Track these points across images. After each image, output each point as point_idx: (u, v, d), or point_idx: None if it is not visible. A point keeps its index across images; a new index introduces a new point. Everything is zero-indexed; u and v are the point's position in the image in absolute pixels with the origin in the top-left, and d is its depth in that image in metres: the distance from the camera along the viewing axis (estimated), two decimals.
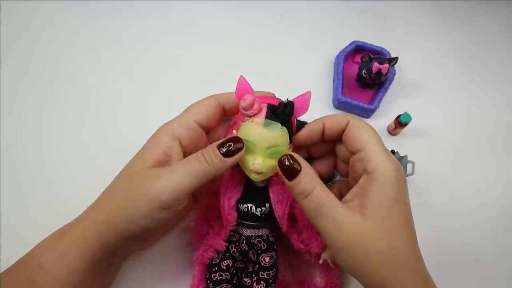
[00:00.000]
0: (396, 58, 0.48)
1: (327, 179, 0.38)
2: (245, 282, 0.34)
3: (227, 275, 0.34)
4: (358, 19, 0.59)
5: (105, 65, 0.52)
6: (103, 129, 0.48)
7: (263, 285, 0.34)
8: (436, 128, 0.51)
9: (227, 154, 0.30)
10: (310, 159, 0.38)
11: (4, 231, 0.41)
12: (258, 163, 0.30)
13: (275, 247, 0.35)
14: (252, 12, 0.58)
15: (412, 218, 0.30)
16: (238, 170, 0.33)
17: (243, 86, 0.31)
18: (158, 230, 0.31)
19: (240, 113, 0.32)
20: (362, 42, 0.53)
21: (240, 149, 0.30)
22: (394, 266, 0.28)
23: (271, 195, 0.33)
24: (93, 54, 0.53)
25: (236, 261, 0.35)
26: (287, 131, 0.31)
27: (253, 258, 0.34)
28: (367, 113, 0.50)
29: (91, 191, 0.32)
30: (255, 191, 0.34)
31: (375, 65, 0.47)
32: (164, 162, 0.30)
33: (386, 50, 0.53)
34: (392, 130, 0.49)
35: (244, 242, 0.34)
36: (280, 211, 0.33)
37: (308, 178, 0.29)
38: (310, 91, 0.31)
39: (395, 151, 0.46)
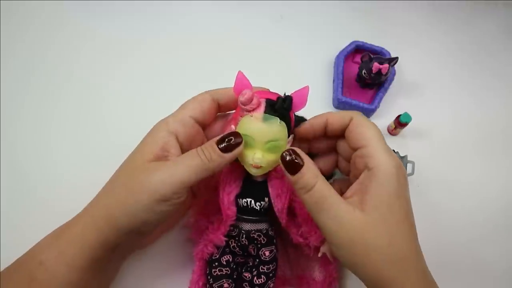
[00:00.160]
0: (396, 58, 0.48)
1: (327, 177, 0.38)
2: (245, 276, 0.35)
3: (227, 270, 0.35)
4: (358, 19, 0.59)
5: (105, 65, 0.52)
6: (103, 129, 0.48)
7: (263, 279, 0.34)
8: (436, 128, 0.51)
9: (226, 150, 0.30)
10: (311, 156, 0.38)
11: (4, 230, 0.41)
12: (258, 158, 0.31)
13: (274, 241, 0.35)
14: (252, 12, 0.59)
15: (412, 215, 0.31)
16: (237, 165, 0.33)
17: (241, 81, 0.32)
18: (158, 224, 0.31)
19: (239, 108, 0.32)
20: (362, 42, 0.54)
21: (238, 144, 0.31)
22: (393, 262, 0.28)
23: (270, 189, 0.34)
24: (93, 54, 0.53)
25: (236, 256, 0.36)
26: (285, 125, 0.32)
27: (253, 252, 0.35)
28: (367, 113, 0.51)
29: (91, 191, 0.32)
30: (254, 185, 0.34)
31: (375, 65, 0.47)
32: (162, 157, 0.31)
33: (386, 50, 0.53)
34: (392, 130, 0.50)
35: (244, 236, 0.34)
36: (279, 205, 0.34)
37: (310, 172, 0.30)
38: (308, 85, 0.32)
39: (395, 151, 0.46)
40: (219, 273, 0.35)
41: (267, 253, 0.35)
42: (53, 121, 0.48)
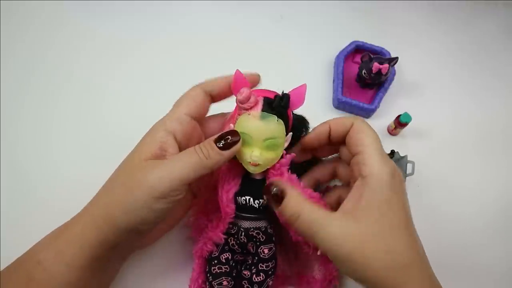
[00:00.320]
0: (396, 58, 0.48)
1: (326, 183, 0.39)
2: (245, 274, 0.35)
3: (226, 267, 0.35)
4: (358, 19, 0.59)
5: (105, 65, 0.53)
6: (103, 129, 0.48)
7: (262, 277, 0.35)
8: (436, 128, 0.51)
9: (224, 147, 0.31)
10: (314, 161, 0.39)
11: (4, 230, 0.41)
12: (255, 156, 0.32)
13: (273, 238, 0.36)
14: (252, 12, 0.59)
15: (411, 221, 0.31)
16: (235, 163, 0.34)
17: (239, 80, 0.32)
18: (157, 223, 0.31)
19: (237, 107, 0.33)
20: (362, 42, 0.54)
21: (236, 142, 0.31)
22: (396, 269, 0.28)
23: None
24: (93, 54, 0.53)
25: (235, 253, 0.36)
26: (283, 123, 0.32)
27: (252, 250, 0.35)
28: (367, 113, 0.51)
29: (91, 190, 0.33)
30: (253, 183, 0.35)
31: (375, 65, 0.47)
32: (160, 156, 0.31)
33: (386, 50, 0.53)
34: (392, 130, 0.50)
35: (243, 234, 0.35)
36: None
37: (293, 201, 0.31)
38: (305, 83, 0.33)
39: (395, 151, 0.46)
40: (218, 271, 0.35)
41: (266, 250, 0.35)
42: (53, 121, 0.48)
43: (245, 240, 0.35)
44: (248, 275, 0.35)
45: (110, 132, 0.48)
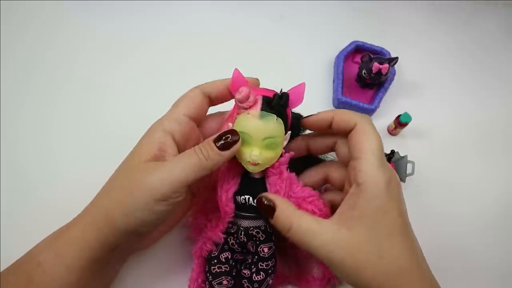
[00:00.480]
0: (396, 58, 0.48)
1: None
2: (244, 273, 0.35)
3: (226, 267, 0.35)
4: (358, 19, 0.60)
5: (105, 65, 0.53)
6: (103, 129, 0.48)
7: (262, 276, 0.35)
8: (436, 128, 0.52)
9: (224, 147, 0.31)
10: (308, 158, 0.38)
11: (4, 230, 0.41)
12: (255, 155, 0.32)
13: (273, 237, 0.36)
14: (252, 12, 0.59)
15: (408, 226, 0.31)
16: (235, 162, 0.34)
17: (238, 79, 0.32)
18: (157, 225, 0.31)
19: (236, 106, 0.33)
20: (362, 42, 0.54)
21: (236, 142, 0.31)
22: (391, 273, 0.28)
23: (268, 186, 0.34)
24: (93, 54, 0.54)
25: (234, 253, 0.36)
26: (282, 122, 0.32)
27: (251, 249, 0.35)
28: (367, 113, 0.51)
29: (91, 191, 0.32)
30: (252, 182, 0.35)
31: (375, 65, 0.47)
32: (160, 157, 0.31)
33: (386, 50, 0.53)
34: (392, 130, 0.50)
35: (243, 233, 0.35)
36: None
37: (283, 214, 0.31)
38: (304, 82, 0.33)
39: (395, 151, 0.46)
40: (218, 270, 0.35)
41: (265, 249, 0.35)
42: (53, 121, 0.48)
43: (245, 239, 0.35)
44: (248, 274, 0.35)
45: (110, 132, 0.48)
